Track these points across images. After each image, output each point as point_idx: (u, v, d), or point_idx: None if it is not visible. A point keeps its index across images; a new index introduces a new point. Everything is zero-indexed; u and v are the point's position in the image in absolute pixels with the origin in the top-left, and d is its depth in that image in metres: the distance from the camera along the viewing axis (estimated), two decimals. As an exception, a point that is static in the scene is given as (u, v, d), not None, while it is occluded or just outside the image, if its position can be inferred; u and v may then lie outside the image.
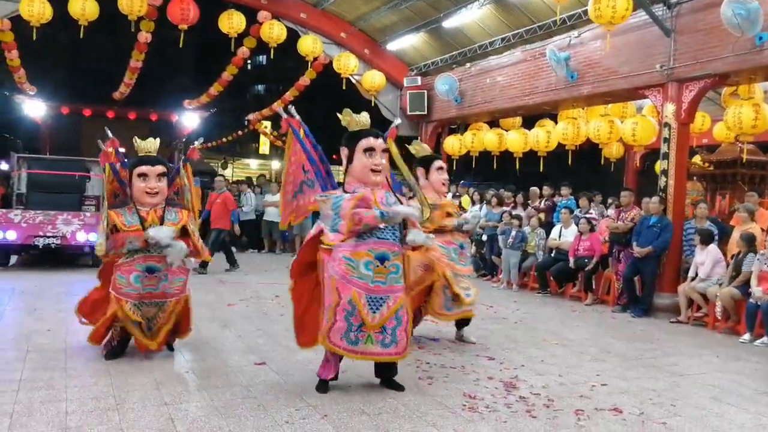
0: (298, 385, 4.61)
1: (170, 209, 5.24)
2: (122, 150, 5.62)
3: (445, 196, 6.41)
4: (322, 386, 4.47)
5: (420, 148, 6.40)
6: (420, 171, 6.16)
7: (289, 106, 4.85)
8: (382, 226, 4.35)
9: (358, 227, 4.30)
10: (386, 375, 4.64)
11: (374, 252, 4.34)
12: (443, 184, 6.22)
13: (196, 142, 6.02)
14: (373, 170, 4.46)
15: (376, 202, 4.43)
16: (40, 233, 10.01)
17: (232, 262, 11.08)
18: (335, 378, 4.55)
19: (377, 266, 4.34)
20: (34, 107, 15.30)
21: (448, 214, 6.07)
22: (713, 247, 7.94)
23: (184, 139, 15.08)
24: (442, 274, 5.82)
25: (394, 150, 4.92)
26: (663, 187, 8.74)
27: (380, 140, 4.52)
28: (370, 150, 4.46)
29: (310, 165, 4.67)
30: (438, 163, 6.21)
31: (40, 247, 10.10)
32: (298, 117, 4.75)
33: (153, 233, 4.94)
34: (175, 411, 4.00)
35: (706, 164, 11.40)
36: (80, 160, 12.16)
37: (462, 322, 6.29)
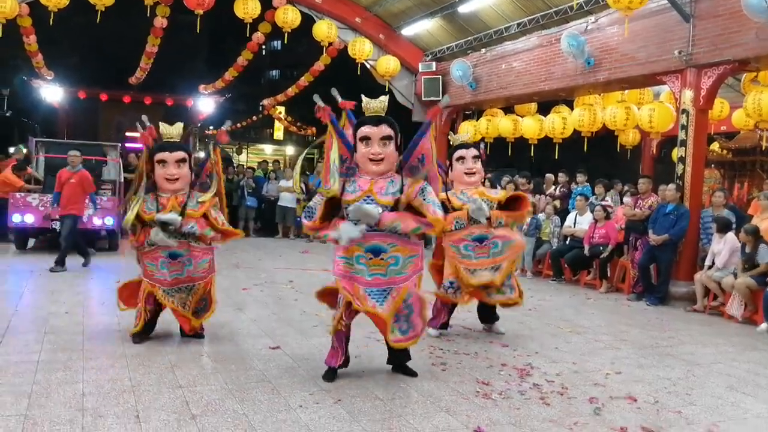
0: (312, 369, 4.64)
1: (194, 196, 5.21)
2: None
3: (476, 187, 5.89)
4: (330, 374, 4.45)
5: (454, 137, 6.09)
6: (449, 164, 5.92)
7: (332, 90, 4.66)
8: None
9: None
10: (399, 361, 4.64)
11: (364, 246, 4.25)
12: (466, 173, 5.81)
13: (224, 126, 6.00)
14: (371, 159, 4.33)
15: (372, 191, 4.31)
16: (57, 217, 10.11)
17: (84, 254, 9.21)
18: (345, 365, 4.53)
19: (370, 259, 4.27)
20: (51, 92, 15.42)
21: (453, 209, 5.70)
22: (731, 236, 7.85)
23: (199, 124, 15.14)
24: (455, 274, 5.75)
25: (431, 135, 4.61)
26: (680, 174, 8.64)
27: (381, 127, 4.31)
28: (365, 139, 4.32)
29: (349, 153, 4.51)
30: (459, 152, 5.85)
31: (57, 230, 10.19)
32: (340, 98, 4.64)
33: (158, 216, 4.99)
34: (190, 393, 4.04)
35: (725, 151, 11.28)
36: (97, 144, 12.27)
37: (490, 315, 6.15)
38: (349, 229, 4.20)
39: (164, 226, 4.99)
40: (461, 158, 5.84)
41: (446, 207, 5.54)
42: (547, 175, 11.94)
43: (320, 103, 4.64)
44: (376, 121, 4.36)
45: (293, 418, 3.71)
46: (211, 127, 21.96)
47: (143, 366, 4.58)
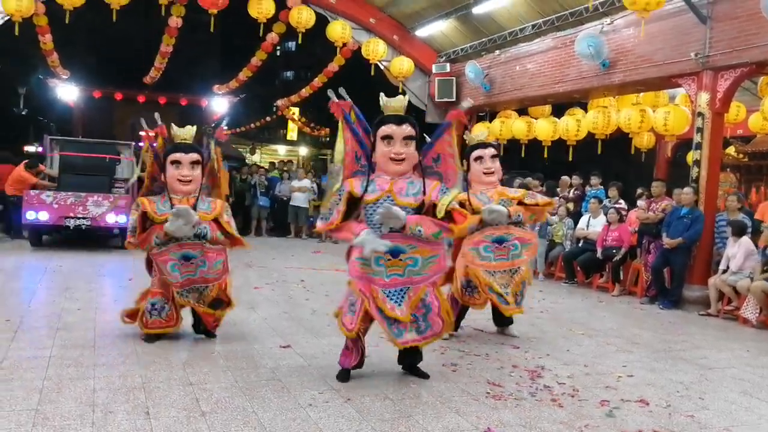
0: (322, 368, 4.63)
1: (204, 199, 5.18)
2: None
3: (495, 187, 5.79)
4: (343, 375, 4.41)
5: (471, 136, 5.99)
6: (466, 164, 5.77)
7: (340, 89, 4.56)
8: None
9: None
10: (410, 362, 4.59)
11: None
12: (485, 173, 5.70)
13: (223, 123, 5.99)
14: (392, 159, 4.26)
15: (392, 191, 4.26)
16: (71, 214, 10.22)
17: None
18: (359, 366, 4.50)
19: (389, 260, 4.23)
20: (67, 91, 15.57)
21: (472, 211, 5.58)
22: (746, 240, 7.76)
23: (213, 125, 15.21)
24: (474, 278, 5.68)
25: (453, 138, 4.50)
26: (695, 177, 8.56)
27: (403, 127, 4.25)
28: (387, 138, 4.24)
29: (362, 150, 4.43)
30: (477, 152, 5.73)
31: (71, 227, 10.30)
32: (348, 99, 4.49)
33: (169, 227, 4.86)
34: (200, 391, 4.05)
35: (741, 155, 11.17)
36: (111, 143, 12.38)
37: (505, 317, 6.05)
38: (374, 241, 4.15)
39: (178, 217, 4.94)
40: (479, 158, 5.75)
41: (466, 208, 5.54)
42: (563, 177, 11.84)
43: (334, 98, 4.52)
44: (398, 120, 4.29)
45: (303, 417, 3.71)
46: (225, 127, 22.01)
47: (154, 363, 4.59)
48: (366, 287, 4.29)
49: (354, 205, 4.36)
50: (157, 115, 5.44)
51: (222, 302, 5.29)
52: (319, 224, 4.45)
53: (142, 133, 5.45)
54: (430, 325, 4.38)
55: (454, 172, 4.52)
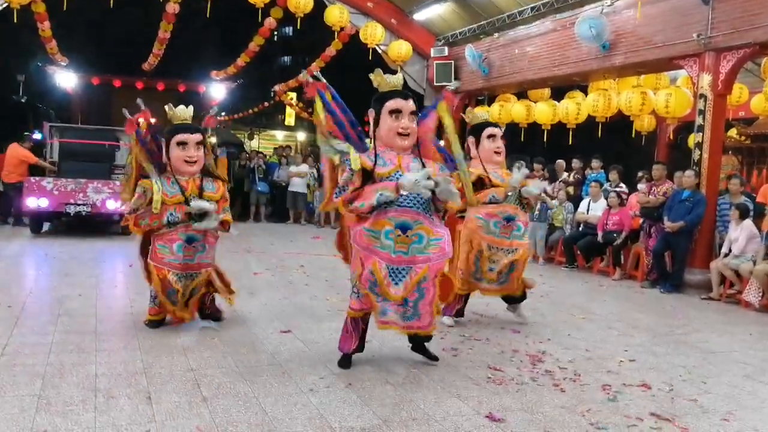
0: (322, 353, 4.63)
1: (207, 179, 5.18)
2: (153, 121, 5.55)
3: (501, 167, 5.79)
4: (345, 362, 4.37)
5: (472, 115, 5.94)
6: (471, 141, 5.73)
7: (315, 71, 4.57)
8: (404, 193, 4.10)
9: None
10: (420, 341, 4.52)
11: (394, 220, 4.14)
12: (495, 152, 5.66)
13: (211, 111, 5.93)
14: (399, 133, 4.23)
15: (401, 167, 4.22)
16: (72, 201, 10.20)
17: None
18: (359, 350, 4.48)
19: (399, 235, 4.15)
20: (65, 78, 15.48)
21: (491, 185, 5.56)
22: (748, 223, 7.74)
23: (211, 110, 15.16)
24: (477, 246, 5.64)
25: (448, 119, 4.49)
26: (697, 160, 8.52)
27: (410, 102, 4.26)
28: (396, 111, 4.22)
29: (339, 131, 4.39)
30: (490, 130, 5.67)
31: (72, 214, 10.29)
32: (323, 80, 4.46)
33: (195, 204, 4.92)
34: (201, 376, 4.05)
35: (743, 137, 11.13)
36: (110, 129, 12.32)
37: (514, 297, 6.00)
38: (415, 175, 3.99)
39: (200, 216, 4.96)
40: (492, 136, 5.68)
41: (484, 183, 5.54)
42: (558, 161, 11.80)
43: (309, 79, 4.50)
44: (404, 95, 4.30)
45: (304, 402, 3.71)
46: (223, 114, 21.92)
47: (155, 348, 4.59)
48: (368, 259, 4.21)
49: (365, 181, 4.25)
50: (139, 100, 5.38)
51: (204, 308, 5.28)
52: (335, 199, 4.26)
53: (128, 117, 5.31)
54: (419, 314, 4.25)
55: (432, 158, 4.45)
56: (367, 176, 4.22)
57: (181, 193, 5.00)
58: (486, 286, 5.78)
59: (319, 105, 4.40)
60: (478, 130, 5.75)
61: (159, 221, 4.99)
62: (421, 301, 4.24)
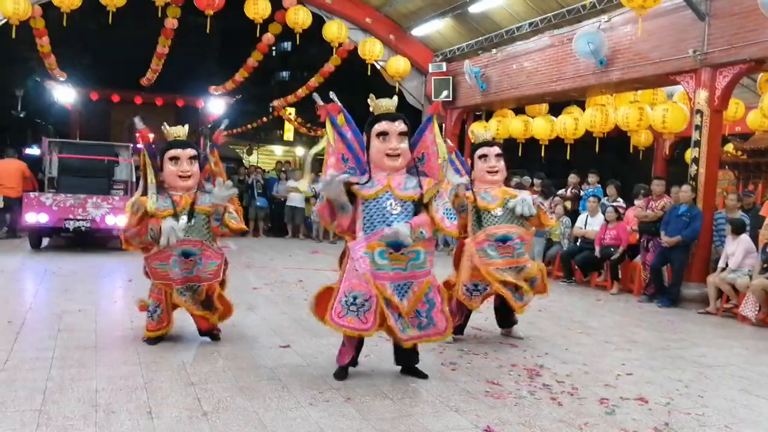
0: (322, 368, 4.64)
1: (203, 194, 5.20)
2: (152, 137, 5.59)
3: (500, 186, 5.76)
4: (340, 373, 4.45)
5: (476, 134, 5.98)
6: (472, 161, 5.80)
7: (330, 93, 4.62)
8: (395, 212, 4.26)
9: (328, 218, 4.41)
10: (408, 363, 4.60)
11: (384, 240, 4.25)
12: (488, 172, 5.64)
13: (221, 126, 5.98)
14: (388, 155, 4.34)
15: (390, 186, 4.32)
16: (71, 216, 10.22)
17: None
18: (353, 363, 4.53)
19: (391, 253, 4.26)
20: (64, 93, 15.57)
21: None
22: (745, 237, 7.79)
23: (209, 125, 15.22)
24: (487, 276, 5.53)
25: (436, 130, 4.54)
26: (693, 175, 8.59)
27: (396, 123, 4.34)
28: (383, 134, 4.33)
29: (350, 153, 4.48)
30: (481, 150, 5.69)
31: (71, 229, 10.31)
32: (338, 103, 4.55)
33: (163, 242, 4.92)
34: (201, 391, 4.06)
35: (739, 153, 11.19)
36: (109, 144, 12.38)
37: (508, 319, 6.00)
38: (404, 228, 4.21)
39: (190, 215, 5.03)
40: (484, 156, 5.70)
41: (469, 207, 5.57)
42: (571, 175, 11.66)
43: (320, 101, 4.58)
44: (392, 117, 4.39)
45: (303, 416, 3.72)
46: (224, 130, 21.94)
47: (155, 363, 4.60)
48: (376, 279, 4.28)
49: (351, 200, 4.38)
50: (137, 118, 5.44)
51: (212, 305, 5.23)
52: (318, 205, 4.49)
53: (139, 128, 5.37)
54: (434, 321, 4.41)
55: (437, 172, 4.51)
56: (352, 197, 4.37)
57: (172, 207, 5.03)
58: (504, 275, 5.59)
59: (329, 129, 4.51)
60: (473, 150, 5.86)
61: (147, 236, 5.06)
62: (432, 309, 4.41)
